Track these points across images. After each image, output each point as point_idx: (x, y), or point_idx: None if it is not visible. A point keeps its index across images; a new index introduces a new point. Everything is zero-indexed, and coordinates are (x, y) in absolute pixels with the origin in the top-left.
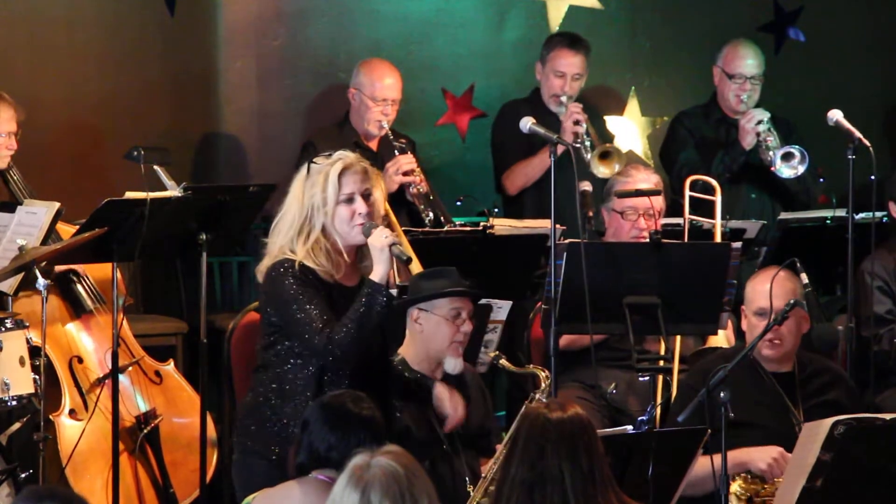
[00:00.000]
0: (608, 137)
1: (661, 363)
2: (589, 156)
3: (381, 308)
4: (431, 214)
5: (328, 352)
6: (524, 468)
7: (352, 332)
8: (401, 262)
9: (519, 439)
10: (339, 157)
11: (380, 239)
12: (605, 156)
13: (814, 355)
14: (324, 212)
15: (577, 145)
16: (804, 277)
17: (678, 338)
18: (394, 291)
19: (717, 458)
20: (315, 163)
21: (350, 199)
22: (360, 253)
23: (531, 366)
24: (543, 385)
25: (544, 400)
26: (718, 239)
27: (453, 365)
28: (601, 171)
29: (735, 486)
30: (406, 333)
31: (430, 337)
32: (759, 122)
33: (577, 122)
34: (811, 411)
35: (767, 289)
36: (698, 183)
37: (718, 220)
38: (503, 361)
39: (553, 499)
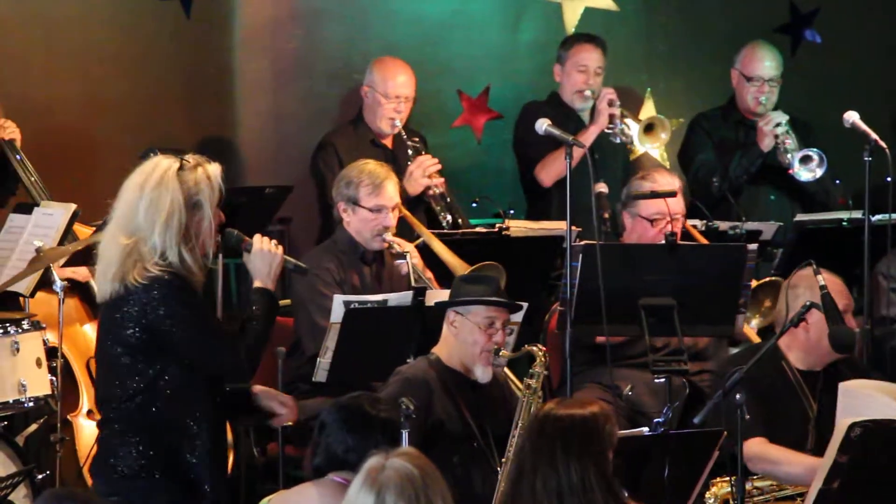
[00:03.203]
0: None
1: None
2: (620, 139)
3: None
4: (449, 217)
5: (240, 370)
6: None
7: (257, 347)
8: (299, 273)
9: (532, 435)
10: (206, 158)
11: (268, 244)
12: (649, 128)
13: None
14: (208, 207)
15: (611, 129)
16: (821, 279)
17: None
18: (409, 294)
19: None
20: (187, 160)
21: (219, 203)
22: None
23: (525, 346)
24: (539, 360)
25: (543, 374)
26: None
27: (481, 373)
28: (647, 145)
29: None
30: (442, 333)
31: (463, 341)
32: (778, 125)
33: (611, 103)
34: (825, 411)
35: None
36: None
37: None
38: (503, 352)
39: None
